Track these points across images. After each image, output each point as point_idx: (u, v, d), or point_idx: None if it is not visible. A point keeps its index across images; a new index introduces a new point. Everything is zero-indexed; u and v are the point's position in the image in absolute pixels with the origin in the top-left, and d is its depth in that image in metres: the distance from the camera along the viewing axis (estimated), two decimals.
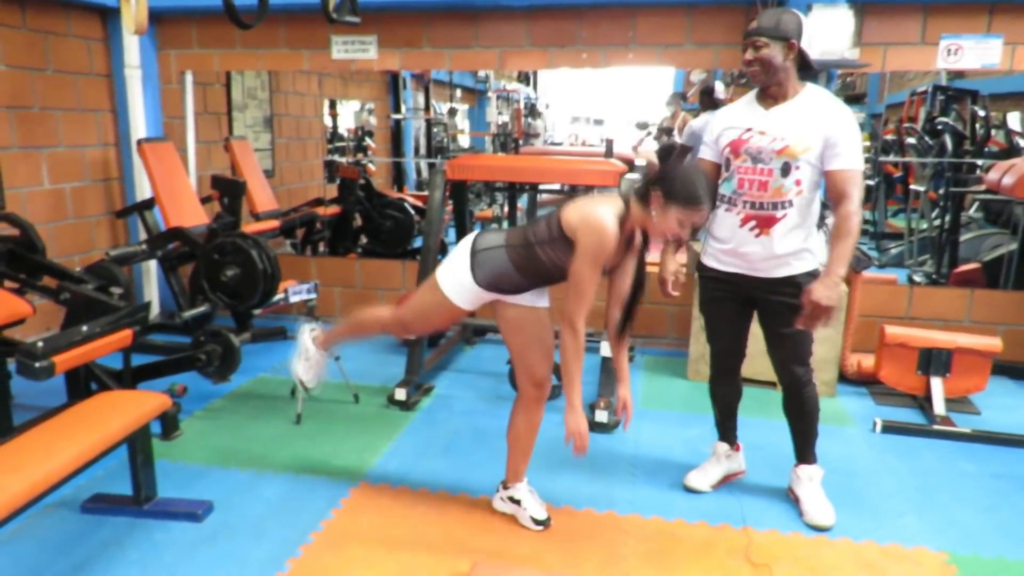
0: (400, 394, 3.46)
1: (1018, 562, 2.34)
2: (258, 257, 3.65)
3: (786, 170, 2.33)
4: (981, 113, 6.06)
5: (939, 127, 6.38)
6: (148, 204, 4.27)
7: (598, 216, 2.10)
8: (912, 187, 7.03)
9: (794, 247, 2.40)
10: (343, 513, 2.56)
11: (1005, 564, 2.34)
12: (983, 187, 5.49)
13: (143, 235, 4.33)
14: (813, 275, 2.43)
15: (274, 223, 4.87)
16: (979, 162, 6.08)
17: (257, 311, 4.14)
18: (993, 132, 6.35)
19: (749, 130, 2.39)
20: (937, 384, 3.49)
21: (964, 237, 5.84)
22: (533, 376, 2.42)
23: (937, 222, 6.13)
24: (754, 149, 2.37)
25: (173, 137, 4.72)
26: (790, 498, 2.70)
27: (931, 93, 7.36)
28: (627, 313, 2.34)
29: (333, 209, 5.79)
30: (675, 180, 2.09)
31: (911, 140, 7.23)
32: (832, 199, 2.35)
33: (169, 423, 3.07)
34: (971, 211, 6.48)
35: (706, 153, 2.55)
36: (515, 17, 4.32)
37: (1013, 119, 7.00)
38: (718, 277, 2.55)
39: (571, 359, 2.19)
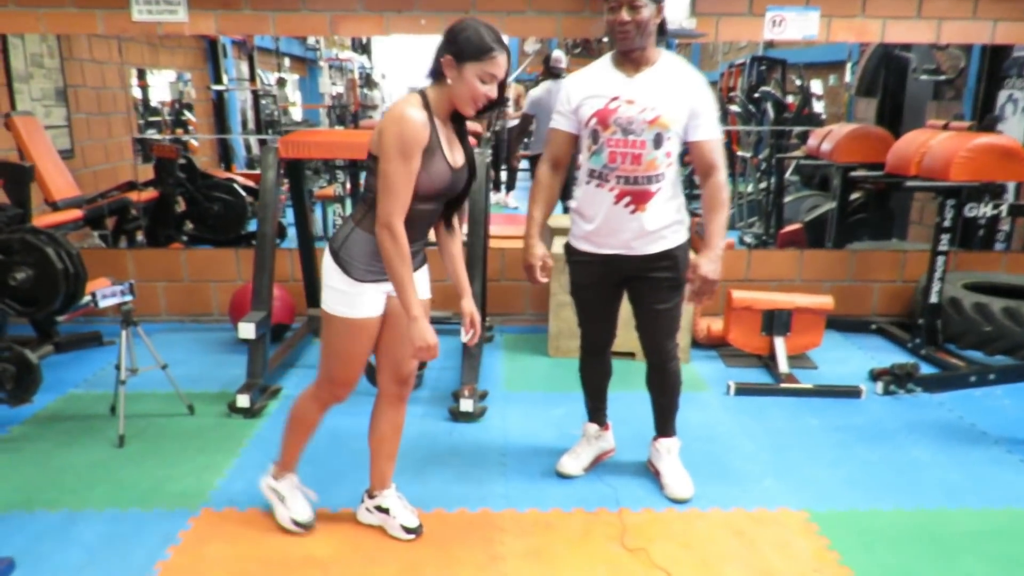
0: (243, 400, 3.11)
1: (867, 512, 2.49)
2: (55, 255, 3.11)
3: (658, 141, 2.23)
4: (798, 83, 6.47)
5: (758, 96, 6.77)
6: None
7: (396, 109, 1.89)
8: (738, 153, 7.45)
9: (669, 220, 2.33)
10: (183, 549, 2.23)
11: (857, 516, 2.47)
12: (802, 152, 5.90)
13: None
14: (686, 246, 2.39)
15: (76, 212, 4.22)
16: (797, 129, 6.53)
17: (61, 317, 3.56)
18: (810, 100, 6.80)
19: (616, 99, 2.25)
20: (780, 343, 3.67)
21: (786, 199, 6.26)
22: (399, 373, 2.21)
23: (762, 186, 6.52)
24: (624, 120, 2.24)
25: None
26: (650, 472, 2.70)
27: (750, 64, 7.82)
28: (453, 202, 2.11)
29: (149, 193, 5.14)
30: (458, 37, 1.88)
31: (735, 108, 7.66)
32: (700, 170, 2.30)
33: None
34: (787, 174, 6.97)
35: (560, 123, 2.39)
36: None
37: (815, 86, 7.62)
38: (590, 260, 2.42)
39: (396, 263, 1.92)
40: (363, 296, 2.04)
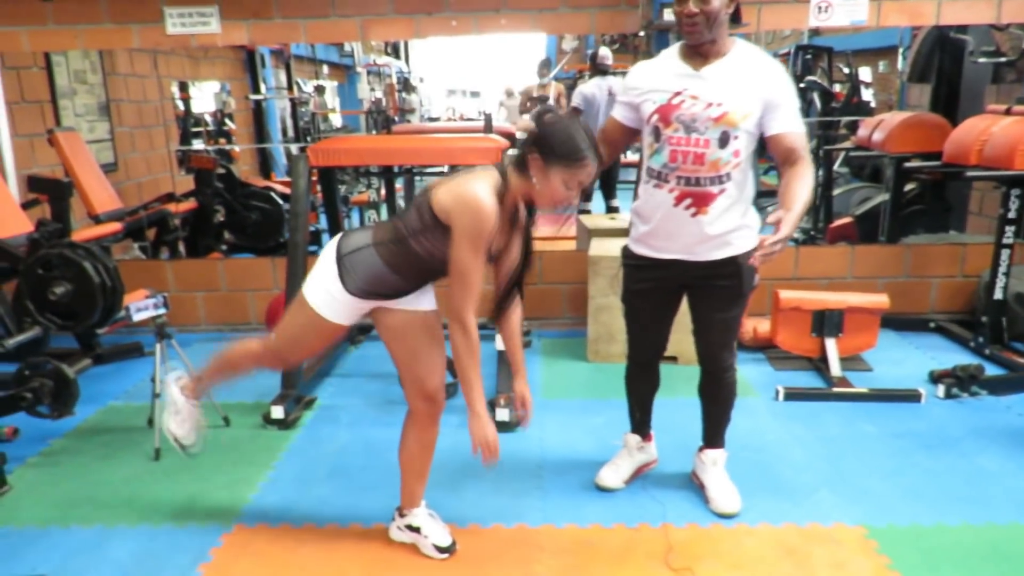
0: (277, 412, 3.08)
1: (931, 527, 2.31)
2: (93, 269, 3.14)
3: (724, 140, 2.07)
4: (846, 71, 6.23)
5: (804, 86, 6.53)
6: None
7: (473, 192, 1.81)
8: None
9: (733, 224, 2.17)
10: (214, 568, 2.19)
11: (920, 531, 2.30)
12: (851, 143, 5.66)
13: None
14: (750, 255, 2.25)
15: (116, 225, 4.27)
16: (845, 119, 6.28)
17: (101, 330, 3.60)
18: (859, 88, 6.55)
19: (679, 94, 2.10)
20: (831, 345, 3.49)
21: (835, 192, 6.01)
22: (423, 390, 2.13)
23: None
24: (687, 117, 2.09)
25: None
26: (694, 484, 2.57)
27: (795, 53, 7.56)
28: (508, 290, 2.04)
29: (188, 204, 5.20)
30: (552, 137, 1.82)
31: None
32: (781, 161, 2.09)
33: None
34: (836, 166, 6.71)
35: (619, 113, 2.27)
36: None
37: (864, 74, 7.33)
38: (648, 265, 2.29)
39: (465, 359, 1.91)
40: (344, 306, 2.00)
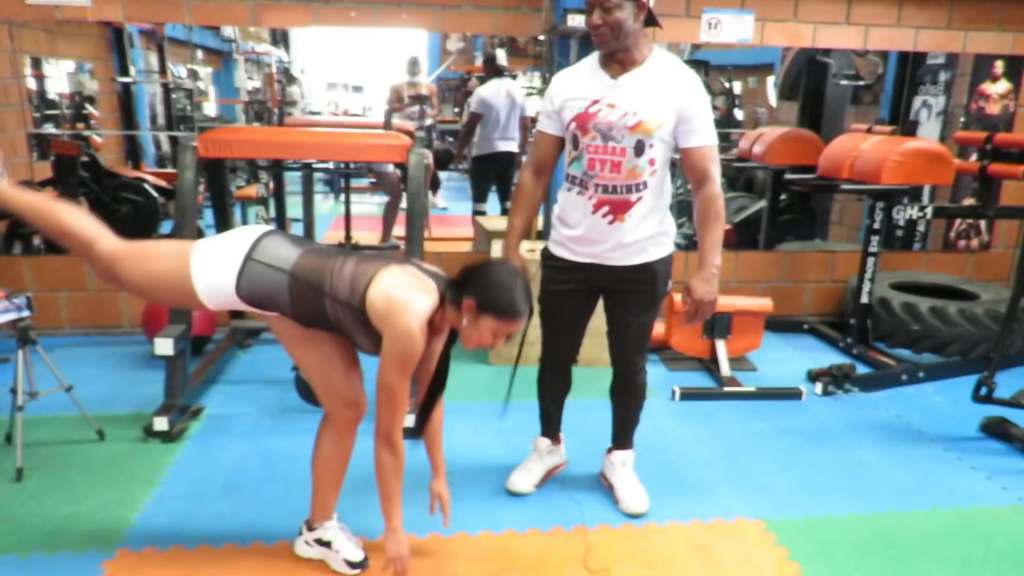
0: (161, 423, 2.83)
1: (822, 519, 2.47)
2: None
3: (640, 149, 2.10)
4: (726, 85, 6.58)
5: None
6: None
7: (408, 319, 1.74)
8: None
9: (650, 232, 2.21)
10: None
11: (812, 523, 2.44)
12: (733, 154, 5.99)
13: None
14: (668, 260, 2.29)
15: None
16: (721, 132, 6.64)
17: None
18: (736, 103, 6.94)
19: (596, 102, 2.11)
20: (721, 346, 3.67)
21: None
22: (343, 395, 2.02)
23: (690, 187, 6.60)
24: (604, 125, 2.10)
25: None
26: (603, 485, 2.61)
27: None
28: (429, 399, 2.03)
29: (47, 194, 4.70)
30: (489, 289, 1.81)
31: None
32: (692, 179, 2.17)
33: None
34: None
35: (545, 125, 2.25)
36: None
37: (736, 87, 7.81)
38: (567, 267, 2.29)
39: (390, 478, 1.89)
40: (223, 297, 1.86)
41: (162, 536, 2.25)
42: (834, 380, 3.52)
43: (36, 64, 6.37)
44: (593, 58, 2.20)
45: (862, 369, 3.74)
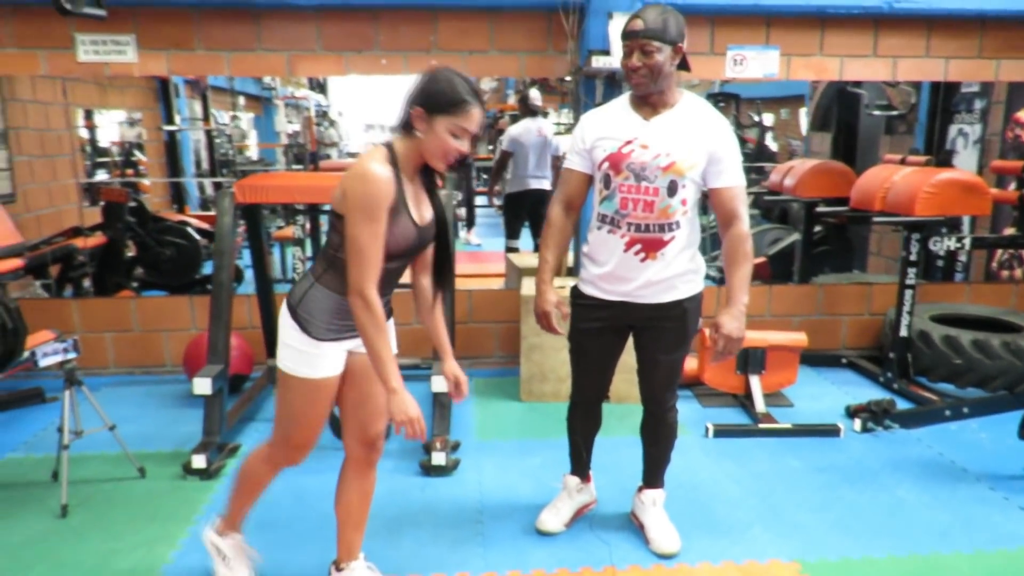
0: (199, 461, 2.91)
1: (859, 561, 2.40)
2: None
3: (673, 189, 2.13)
4: (756, 118, 6.58)
5: None
6: None
7: (358, 166, 1.77)
8: None
9: (680, 269, 2.23)
10: None
11: (850, 565, 2.38)
12: (764, 187, 5.97)
13: None
14: (698, 298, 2.30)
15: (17, 262, 3.97)
16: (754, 166, 6.63)
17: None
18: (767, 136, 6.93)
19: (630, 143, 2.15)
20: (756, 382, 3.62)
21: None
22: (365, 435, 2.06)
23: None
24: (637, 165, 2.14)
25: None
26: (634, 524, 2.59)
27: (708, 101, 7.96)
28: (438, 263, 2.01)
29: (97, 238, 4.91)
30: (430, 88, 1.79)
31: None
32: (720, 219, 2.19)
33: None
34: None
35: (575, 163, 2.29)
36: (304, 17, 3.87)
37: (767, 120, 7.81)
38: (597, 305, 2.31)
39: (372, 333, 1.80)
40: (323, 356, 1.91)
41: (196, 573, 2.29)
42: (873, 416, 3.44)
43: (88, 115, 6.70)
44: (624, 99, 2.25)
45: (903, 405, 3.65)
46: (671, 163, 2.12)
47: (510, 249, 5.73)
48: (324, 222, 5.26)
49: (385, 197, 1.75)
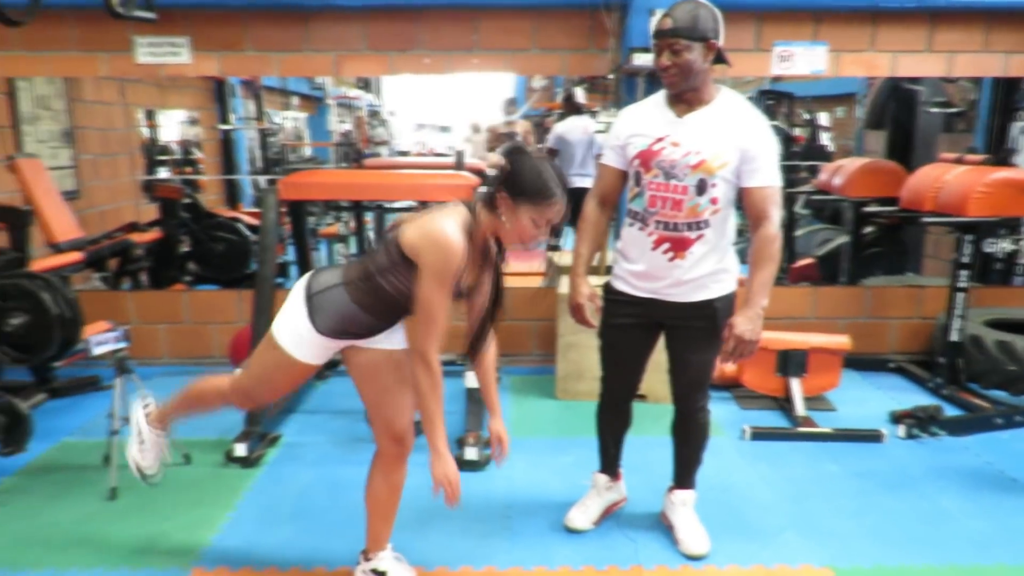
0: (240, 449, 3.01)
1: (895, 568, 2.34)
2: (51, 300, 3.06)
3: (702, 187, 2.11)
4: (806, 116, 6.43)
5: None
6: None
7: (440, 229, 1.82)
8: None
9: (710, 269, 2.21)
10: None
11: (885, 572, 2.32)
12: (812, 186, 5.83)
13: None
14: (730, 298, 2.28)
15: (77, 255, 4.16)
16: (805, 164, 6.48)
17: (58, 362, 3.49)
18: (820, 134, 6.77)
19: (661, 140, 2.14)
20: (796, 385, 3.55)
21: (797, 233, 6.17)
22: (392, 429, 2.10)
23: None
24: (667, 163, 2.13)
25: None
26: (663, 524, 2.57)
27: (756, 98, 7.81)
28: (480, 330, 2.05)
29: (152, 234, 5.11)
30: (521, 175, 1.84)
31: None
32: (750, 219, 2.16)
33: None
34: (798, 207, 6.91)
35: (610, 158, 2.30)
36: (350, 18, 3.96)
37: (822, 118, 7.62)
38: (628, 301, 2.32)
39: (428, 396, 1.89)
40: (313, 345, 1.98)
41: (234, 557, 2.38)
42: (919, 423, 3.34)
43: (149, 115, 6.98)
44: (660, 95, 2.23)
45: (952, 412, 3.53)
46: (700, 161, 2.10)
47: (551, 247, 5.74)
48: (369, 219, 5.37)
49: (459, 266, 1.83)
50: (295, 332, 1.97)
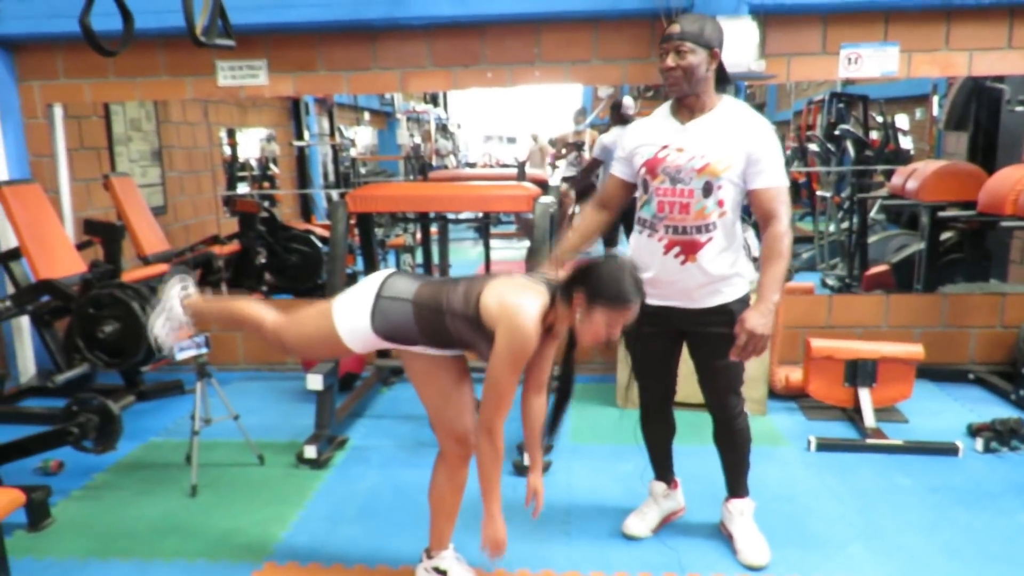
0: (310, 451, 3.14)
1: None
2: (140, 309, 3.27)
3: (708, 190, 2.16)
4: (879, 119, 6.23)
5: (838, 133, 6.54)
6: (13, 254, 3.80)
7: (522, 317, 1.86)
8: (819, 193, 7.19)
9: (723, 272, 2.23)
10: None
11: None
12: (885, 190, 5.64)
13: (10, 289, 3.86)
14: (745, 301, 2.29)
15: (164, 267, 4.43)
16: (879, 168, 6.27)
17: (146, 367, 3.73)
18: (895, 136, 6.54)
19: (666, 147, 2.21)
20: (865, 395, 3.45)
21: (871, 239, 5.97)
22: (454, 431, 2.17)
23: (844, 225, 6.26)
24: (672, 168, 2.18)
25: (42, 178, 4.25)
26: (723, 534, 2.55)
27: (828, 101, 7.59)
28: (555, 416, 2.11)
29: (232, 246, 5.39)
30: (599, 280, 1.87)
31: (813, 147, 7.42)
32: (760, 219, 2.20)
33: (37, 511, 2.66)
34: (872, 212, 6.67)
35: (617, 169, 2.37)
36: (415, 36, 4.10)
37: (901, 121, 7.33)
38: (645, 311, 2.35)
39: (490, 467, 1.98)
40: (364, 338, 2.06)
41: (303, 553, 2.50)
42: (998, 436, 3.19)
43: (231, 134, 7.35)
44: (665, 107, 2.29)
45: None
46: (705, 164, 2.14)
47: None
48: (435, 229, 5.51)
49: (532, 351, 1.89)
50: (352, 320, 2.05)
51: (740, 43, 3.73)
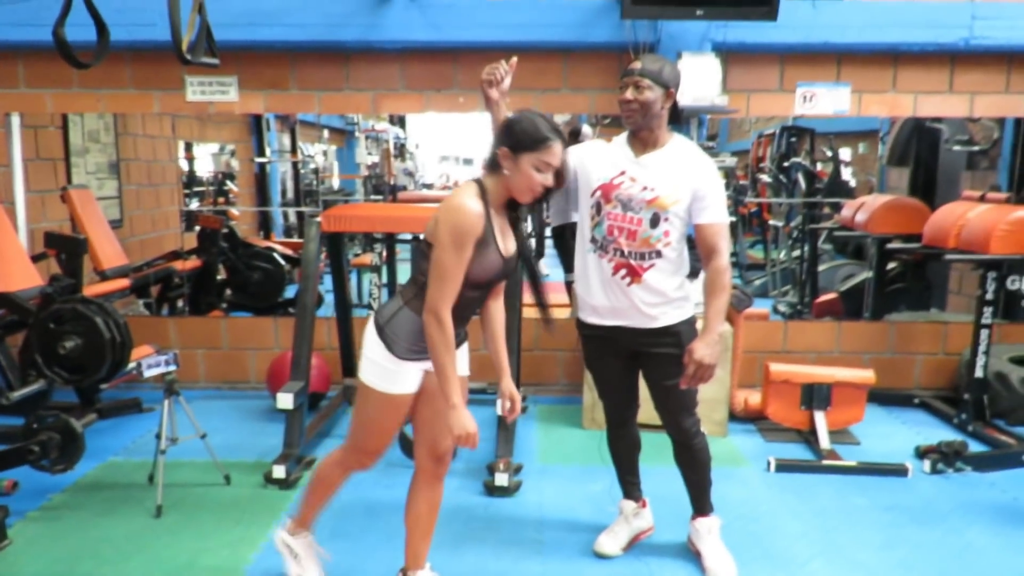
0: (279, 471, 3.11)
1: None
2: (104, 325, 3.20)
3: (655, 221, 2.29)
4: (828, 153, 6.53)
5: (788, 166, 6.84)
6: None
7: (453, 200, 1.94)
8: (770, 222, 7.47)
9: (667, 296, 2.35)
10: None
11: None
12: (834, 222, 5.90)
13: None
14: (691, 323, 2.40)
15: (123, 282, 4.35)
16: (827, 200, 6.56)
17: (106, 384, 3.64)
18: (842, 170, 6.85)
19: (622, 175, 2.33)
20: (820, 418, 3.59)
21: (820, 268, 6.23)
22: (435, 449, 2.20)
23: (795, 253, 6.51)
24: (625, 196, 2.31)
25: None
26: (691, 552, 2.63)
27: (779, 134, 7.92)
28: (533, 287, 2.15)
29: (193, 262, 5.30)
30: (513, 131, 1.96)
31: (765, 178, 7.72)
32: (702, 253, 2.34)
33: None
34: (820, 242, 6.96)
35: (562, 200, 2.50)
36: (388, 59, 4.15)
37: (843, 154, 7.70)
38: (598, 335, 2.46)
39: (441, 351, 1.95)
40: (402, 374, 2.07)
41: (274, 574, 2.46)
42: (944, 458, 3.37)
43: (188, 147, 7.23)
44: (622, 137, 2.42)
45: (977, 448, 3.55)
46: (654, 198, 2.28)
47: (570, 283, 5.83)
48: (400, 250, 5.52)
49: (474, 229, 1.93)
50: (381, 368, 2.07)
51: (704, 78, 3.89)
